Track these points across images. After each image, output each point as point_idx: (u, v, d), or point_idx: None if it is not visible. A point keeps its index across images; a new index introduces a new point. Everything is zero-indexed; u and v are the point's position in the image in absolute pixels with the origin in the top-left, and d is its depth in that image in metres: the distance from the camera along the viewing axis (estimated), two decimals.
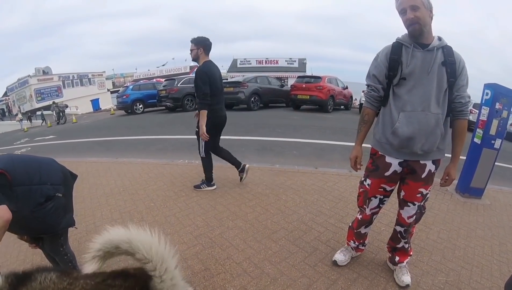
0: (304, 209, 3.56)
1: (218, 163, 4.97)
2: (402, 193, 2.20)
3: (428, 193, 2.15)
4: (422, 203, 2.18)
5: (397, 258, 2.40)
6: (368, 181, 2.26)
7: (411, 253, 2.46)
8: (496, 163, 4.37)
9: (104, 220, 3.57)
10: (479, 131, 4.24)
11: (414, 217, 2.21)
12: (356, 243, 2.55)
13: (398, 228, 2.31)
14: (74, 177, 2.32)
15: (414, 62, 1.93)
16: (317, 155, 6.28)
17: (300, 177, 4.63)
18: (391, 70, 2.01)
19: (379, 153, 2.17)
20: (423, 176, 2.07)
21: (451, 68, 1.90)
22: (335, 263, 2.55)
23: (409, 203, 2.17)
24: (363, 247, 2.63)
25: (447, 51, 1.92)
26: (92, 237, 3.02)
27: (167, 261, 1.17)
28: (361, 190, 2.36)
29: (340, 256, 2.57)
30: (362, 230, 2.46)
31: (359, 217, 2.43)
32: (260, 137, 7.96)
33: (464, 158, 4.37)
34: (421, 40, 1.91)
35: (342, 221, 3.27)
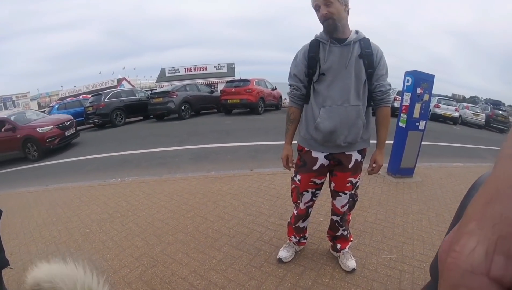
0: (243, 212, 3.55)
1: (154, 177, 4.78)
2: (333, 185, 2.26)
3: (357, 181, 2.22)
4: (353, 192, 2.24)
5: (338, 245, 2.48)
6: (298, 177, 2.29)
7: (351, 239, 2.55)
8: (423, 143, 4.72)
9: (41, 255, 3.30)
10: (403, 116, 4.55)
11: (347, 205, 2.27)
12: (297, 237, 2.58)
13: (334, 218, 2.37)
14: None
15: (331, 58, 1.96)
16: (251, 157, 6.34)
17: (236, 181, 4.63)
18: (310, 67, 2.05)
19: (305, 149, 2.21)
20: (350, 166, 2.12)
21: (369, 59, 1.95)
22: (280, 260, 2.57)
23: (340, 193, 2.22)
24: (305, 240, 2.68)
25: (364, 43, 1.97)
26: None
27: None
28: (293, 186, 2.39)
29: (283, 253, 2.60)
30: (300, 225, 2.50)
31: (295, 212, 2.46)
32: (194, 145, 7.86)
33: (391, 142, 4.65)
34: (337, 35, 1.94)
35: (282, 218, 3.31)
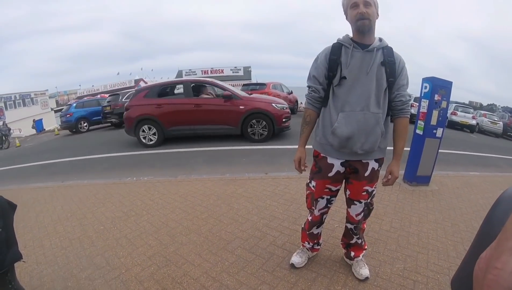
0: (257, 215, 3.54)
1: (169, 177, 4.83)
2: (348, 192, 2.22)
3: (373, 190, 2.17)
4: (368, 201, 2.20)
5: (352, 253, 2.45)
6: (313, 183, 2.26)
7: (365, 247, 2.50)
8: (440, 150, 4.65)
9: (54, 249, 3.35)
10: (421, 123, 4.49)
11: (362, 214, 2.23)
12: (311, 243, 2.56)
13: (349, 225, 2.34)
14: (13, 207, 2.13)
15: (353, 62, 1.93)
16: (266, 161, 6.32)
17: (251, 184, 4.62)
18: (331, 70, 2.01)
19: (321, 155, 2.17)
20: (366, 174, 2.08)
21: (391, 68, 1.93)
22: (292, 266, 2.55)
23: (355, 202, 2.19)
24: (319, 247, 2.65)
25: (387, 51, 1.95)
26: (43, 269, 2.83)
27: None
28: (308, 192, 2.37)
29: (296, 259, 2.58)
30: (314, 231, 2.47)
31: (309, 218, 2.44)
32: (209, 147, 7.88)
33: (408, 149, 4.59)
34: (364, 39, 1.93)
35: (295, 223, 3.29)
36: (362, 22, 1.86)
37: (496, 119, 18.43)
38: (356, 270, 2.41)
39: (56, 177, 6.83)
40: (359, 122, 1.94)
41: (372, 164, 2.08)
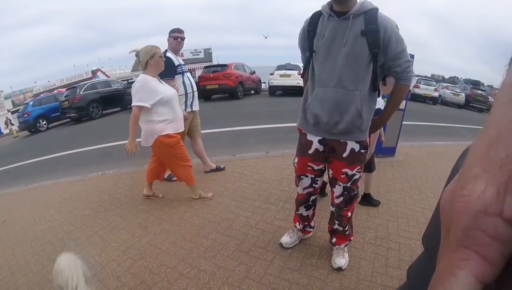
0: (228, 198, 3.55)
1: (136, 168, 4.73)
2: (330, 172, 2.13)
3: (354, 174, 2.04)
4: (348, 185, 2.07)
5: (334, 240, 2.38)
6: (296, 160, 2.23)
7: (350, 238, 2.38)
8: (404, 122, 4.78)
9: (26, 257, 3.23)
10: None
11: (342, 198, 2.13)
12: (301, 225, 2.52)
13: (331, 208, 2.28)
14: None
15: (327, 33, 1.79)
16: (233, 142, 6.31)
17: None
18: (309, 42, 1.91)
19: (302, 131, 2.13)
20: (344, 155, 1.97)
21: (373, 37, 1.70)
22: (281, 245, 2.55)
23: (337, 181, 2.10)
24: (311, 229, 2.62)
25: (369, 17, 1.71)
26: (19, 278, 2.71)
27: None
28: (294, 170, 2.31)
29: (286, 238, 2.57)
30: (304, 212, 2.43)
31: (296, 197, 2.42)
32: None
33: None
34: (341, 7, 1.75)
35: (267, 201, 3.32)
36: None
37: (458, 91, 19.07)
38: (333, 257, 2.35)
39: (20, 182, 6.53)
40: (331, 100, 1.84)
41: (352, 145, 1.95)
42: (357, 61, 1.76)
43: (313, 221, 2.58)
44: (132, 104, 3.05)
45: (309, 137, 2.07)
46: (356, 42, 1.73)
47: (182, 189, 3.95)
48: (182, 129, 3.36)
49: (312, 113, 1.93)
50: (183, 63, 3.92)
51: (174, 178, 4.04)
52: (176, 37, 3.83)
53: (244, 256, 2.51)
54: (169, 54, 3.67)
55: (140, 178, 4.63)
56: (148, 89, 3.02)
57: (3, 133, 27.60)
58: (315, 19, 1.88)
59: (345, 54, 1.75)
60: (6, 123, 23.33)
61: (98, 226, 3.43)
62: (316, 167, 2.16)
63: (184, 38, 3.90)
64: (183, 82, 3.80)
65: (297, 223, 2.54)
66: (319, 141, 2.03)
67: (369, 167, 3.15)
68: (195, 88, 4.01)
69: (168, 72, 3.49)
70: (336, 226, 2.28)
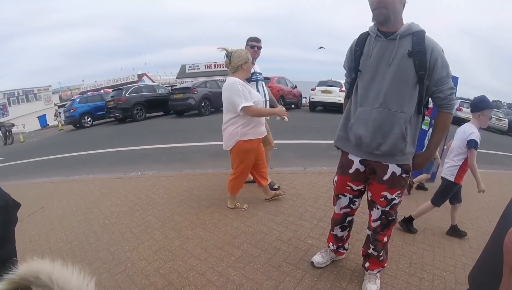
0: (262, 210, 3.53)
1: (174, 172, 4.84)
2: (369, 194, 2.09)
3: (394, 199, 1.96)
4: (386, 209, 2.00)
5: (367, 264, 2.29)
6: (336, 178, 2.20)
7: (384, 264, 2.27)
8: (445, 147, 4.60)
9: (59, 244, 3.36)
10: (426, 118, 4.45)
11: (379, 222, 2.07)
12: (335, 245, 2.47)
13: (367, 231, 2.22)
14: (17, 206, 2.13)
15: (374, 53, 1.79)
16: (272, 155, 6.22)
17: None
18: (356, 62, 1.90)
19: (343, 149, 2.10)
20: (385, 178, 1.91)
21: (420, 58, 1.68)
22: (312, 264, 2.49)
23: (375, 204, 2.05)
24: (344, 251, 2.55)
25: (416, 38, 1.69)
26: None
27: None
28: (333, 188, 2.27)
29: (318, 258, 2.50)
30: (339, 233, 2.38)
31: (332, 216, 2.37)
32: (214, 142, 7.82)
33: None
34: (387, 27, 1.74)
35: (301, 218, 3.27)
36: (378, 12, 1.68)
37: (501, 116, 18.18)
38: (364, 283, 2.26)
39: (61, 172, 6.86)
40: (375, 121, 1.80)
41: (393, 168, 1.89)
42: (403, 82, 1.73)
43: (347, 243, 2.52)
44: (245, 105, 3.02)
45: (351, 156, 2.03)
46: (402, 62, 1.71)
47: (218, 197, 4.00)
48: (264, 134, 3.40)
49: (355, 133, 1.89)
50: (259, 71, 3.96)
51: (276, 186, 4.05)
52: (253, 46, 3.89)
53: (274, 270, 2.48)
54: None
55: (177, 182, 4.73)
56: (245, 90, 3.06)
57: (48, 124, 29.30)
58: (362, 39, 1.88)
59: (391, 75, 1.73)
60: (55, 115, 24.69)
61: (133, 224, 3.51)
62: (355, 188, 2.11)
63: (261, 47, 3.94)
64: (257, 91, 3.81)
65: (331, 243, 2.48)
66: (361, 161, 1.99)
67: (456, 198, 3.10)
68: (267, 97, 4.04)
69: None
70: (370, 251, 2.21)
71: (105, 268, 2.78)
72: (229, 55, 3.14)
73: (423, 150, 1.99)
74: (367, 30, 1.88)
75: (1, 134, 20.30)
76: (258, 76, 3.87)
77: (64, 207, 4.41)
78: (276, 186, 4.07)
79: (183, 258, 2.75)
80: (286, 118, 3.37)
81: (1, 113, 32.30)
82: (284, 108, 3.30)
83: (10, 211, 2.04)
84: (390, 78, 1.73)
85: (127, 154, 8.00)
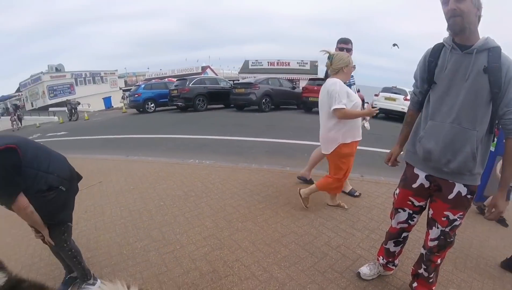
0: (314, 213, 3.48)
1: (230, 164, 4.93)
2: (431, 212, 1.99)
3: (456, 220, 1.85)
4: (447, 229, 1.89)
5: (415, 284, 2.19)
6: (397, 191, 2.14)
7: (432, 288, 2.15)
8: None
9: (113, 218, 3.58)
10: (494, 139, 4.13)
11: (437, 242, 1.95)
12: (385, 260, 2.38)
13: (422, 250, 2.12)
14: (79, 178, 2.32)
15: (450, 66, 1.70)
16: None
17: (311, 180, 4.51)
18: (429, 73, 1.84)
19: (409, 163, 2.03)
20: (450, 197, 1.81)
21: (495, 76, 1.58)
22: (358, 275, 2.43)
23: (435, 223, 1.93)
24: (393, 267, 2.45)
25: (492, 54, 1.60)
26: (101, 234, 3.04)
27: None
28: (392, 200, 2.22)
29: (365, 269, 2.43)
30: (391, 248, 2.30)
31: (388, 229, 2.31)
32: (271, 138, 7.91)
33: None
34: (462, 39, 1.66)
35: (353, 226, 3.19)
36: (453, 20, 1.60)
37: None
38: None
39: (121, 151, 7.27)
40: (446, 136, 1.73)
41: (459, 188, 1.79)
42: (478, 98, 1.63)
43: (397, 259, 2.42)
44: (336, 107, 2.99)
45: (416, 170, 1.96)
46: (478, 78, 1.62)
47: (271, 194, 4.01)
48: (360, 138, 3.38)
49: (424, 147, 1.82)
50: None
51: (357, 193, 4.01)
52: (342, 48, 3.80)
53: (318, 275, 2.45)
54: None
55: (233, 174, 4.82)
56: (346, 93, 3.06)
57: (112, 106, 31.25)
58: (437, 50, 1.81)
59: (466, 90, 1.64)
60: (123, 98, 26.25)
61: (186, 208, 3.64)
62: (416, 203, 2.03)
63: (350, 49, 3.84)
64: None
65: (381, 256, 2.40)
66: (426, 177, 1.91)
67: None
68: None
69: None
70: (421, 270, 2.11)
71: (155, 247, 2.92)
72: (330, 57, 3.14)
73: (497, 191, 1.77)
74: (442, 41, 1.81)
75: (67, 111, 21.98)
76: (351, 80, 3.78)
77: (121, 184, 4.68)
78: (357, 193, 4.00)
79: (231, 248, 2.81)
80: (368, 126, 3.33)
81: (68, 91, 35.00)
82: (373, 108, 3.23)
83: (73, 181, 2.24)
84: (464, 93, 1.65)
85: (186, 141, 8.23)
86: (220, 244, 2.90)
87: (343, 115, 3.03)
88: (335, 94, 2.99)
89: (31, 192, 1.87)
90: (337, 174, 3.31)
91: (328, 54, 3.16)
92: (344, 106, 2.98)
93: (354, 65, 3.25)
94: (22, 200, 1.82)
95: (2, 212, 2.05)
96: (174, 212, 3.58)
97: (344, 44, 3.80)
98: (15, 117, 23.10)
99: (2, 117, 31.10)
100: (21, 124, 23.11)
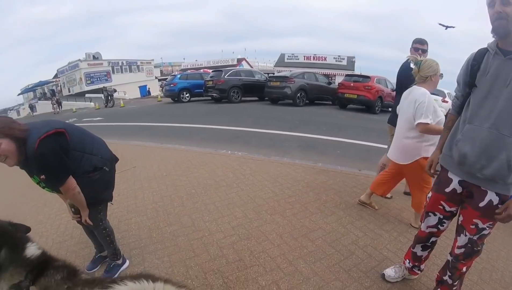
0: (343, 211, 3.47)
1: (262, 157, 4.97)
2: (460, 218, 1.95)
3: (485, 229, 1.81)
4: (474, 238, 1.85)
5: None
6: (430, 194, 2.11)
7: None
8: None
9: (145, 202, 3.71)
10: None
11: (463, 249, 1.91)
12: (411, 263, 2.36)
13: (449, 257, 2.08)
14: (116, 159, 2.44)
15: (492, 70, 1.67)
16: (361, 157, 6.04)
17: (342, 178, 4.51)
18: (471, 77, 1.81)
19: (444, 166, 1.99)
20: (481, 205, 1.77)
21: None
22: (383, 276, 2.42)
23: (463, 230, 1.91)
24: (419, 271, 2.41)
25: None
26: (132, 217, 3.17)
27: None
28: (424, 204, 2.19)
29: (390, 272, 2.41)
30: (419, 252, 2.27)
31: (417, 233, 2.28)
32: (304, 133, 7.86)
33: None
34: (506, 45, 1.63)
35: (381, 227, 3.16)
36: (498, 23, 1.57)
37: None
38: None
39: (156, 139, 7.48)
40: (482, 141, 1.69)
41: (491, 196, 1.74)
42: None
43: (424, 264, 2.38)
44: (421, 121, 2.84)
45: (450, 175, 1.93)
46: None
47: (301, 189, 4.02)
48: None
49: (460, 151, 1.78)
50: None
51: (389, 195, 3.86)
52: (417, 48, 3.63)
53: (342, 273, 2.46)
54: (412, 66, 3.33)
55: (264, 166, 4.87)
56: (433, 108, 2.92)
57: (147, 94, 32.03)
58: (480, 54, 1.77)
59: (506, 96, 1.60)
60: (161, 86, 26.91)
61: (217, 197, 3.73)
62: (448, 208, 2.00)
63: (426, 50, 3.67)
64: None
65: (408, 259, 2.37)
66: (459, 182, 1.88)
67: None
68: None
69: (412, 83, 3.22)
70: (446, 277, 2.08)
71: (184, 232, 3.02)
72: (418, 63, 2.96)
73: None
74: (486, 46, 1.77)
75: (103, 98, 22.73)
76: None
77: (154, 170, 4.83)
78: (389, 195, 3.87)
79: (258, 239, 2.87)
80: None
81: (105, 79, 36.15)
82: None
83: (114, 163, 2.36)
84: (504, 99, 1.61)
85: (219, 132, 8.34)
86: (248, 234, 2.96)
87: (426, 130, 2.89)
88: (423, 107, 2.85)
89: (77, 173, 1.98)
90: (424, 188, 3.07)
91: (415, 60, 2.99)
92: (430, 122, 2.84)
93: (442, 74, 3.08)
94: (71, 181, 1.92)
95: (37, 190, 2.17)
96: (205, 200, 3.67)
97: (420, 45, 3.63)
98: (55, 101, 24.34)
99: (39, 101, 32.77)
100: (61, 108, 24.27)
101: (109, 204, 2.43)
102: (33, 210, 3.81)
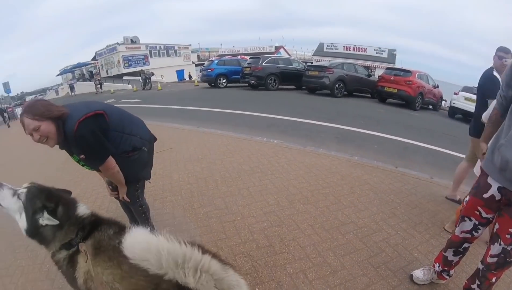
0: (377, 207, 3.44)
1: (298, 146, 4.98)
2: (496, 226, 1.88)
3: None
4: (508, 248, 1.79)
5: None
6: (467, 198, 2.06)
7: None
8: None
9: (180, 182, 3.83)
10: None
11: (496, 259, 1.84)
12: (441, 267, 2.31)
13: (480, 265, 2.02)
14: (155, 139, 2.52)
15: None
16: (398, 154, 5.91)
17: (378, 173, 4.43)
18: None
19: (485, 171, 1.92)
20: None
21: None
22: (411, 277, 2.39)
23: (498, 239, 1.84)
24: (447, 277, 2.36)
25: None
26: (166, 195, 3.28)
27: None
28: (461, 207, 2.14)
29: (419, 273, 2.37)
30: (450, 257, 2.23)
31: (450, 237, 2.23)
32: (341, 125, 7.73)
33: None
34: None
35: (414, 228, 3.11)
36: None
37: None
38: None
39: (193, 122, 7.62)
40: None
41: None
42: None
43: (453, 270, 2.33)
44: None
45: (490, 180, 1.86)
46: None
47: (336, 182, 4.00)
48: None
49: (503, 156, 1.70)
50: None
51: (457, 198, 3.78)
52: (501, 57, 3.45)
53: (371, 269, 2.46)
54: (495, 74, 3.33)
55: (299, 156, 4.89)
56: None
57: (184, 79, 32.50)
58: None
59: None
60: (200, 71, 27.38)
61: (251, 183, 3.79)
62: (484, 215, 1.93)
63: (508, 59, 3.46)
64: None
65: (438, 263, 2.33)
66: (499, 189, 1.81)
67: None
68: None
69: (495, 93, 3.17)
70: (474, 286, 2.03)
71: (217, 214, 3.11)
72: None
73: None
74: None
75: (141, 80, 23.31)
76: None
77: (190, 153, 4.96)
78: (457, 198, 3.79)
79: (289, 228, 2.91)
80: None
81: (143, 62, 36.94)
82: None
83: (153, 143, 2.45)
84: None
85: (255, 119, 8.38)
86: (279, 221, 3.00)
87: None
88: None
89: (117, 153, 2.05)
90: None
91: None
92: None
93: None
94: (110, 161, 2.00)
95: (75, 165, 2.26)
96: (239, 185, 3.75)
97: (504, 54, 3.42)
98: (97, 82, 25.39)
99: (78, 82, 34.04)
100: (102, 89, 25.25)
101: (146, 182, 2.52)
102: (71, 184, 3.99)
